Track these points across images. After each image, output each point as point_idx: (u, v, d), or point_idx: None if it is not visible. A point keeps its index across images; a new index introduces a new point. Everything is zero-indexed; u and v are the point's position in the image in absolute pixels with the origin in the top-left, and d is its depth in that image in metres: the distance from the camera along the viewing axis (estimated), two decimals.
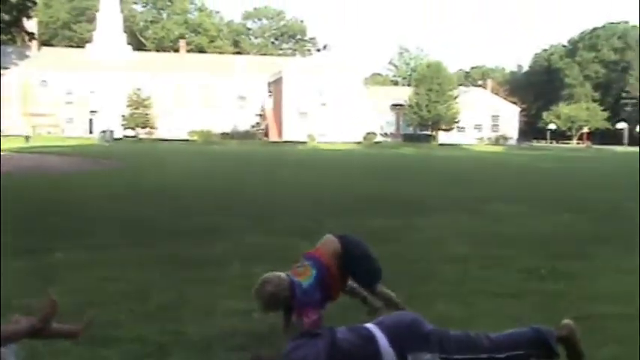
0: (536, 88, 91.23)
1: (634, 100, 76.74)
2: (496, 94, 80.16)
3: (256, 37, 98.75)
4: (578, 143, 76.47)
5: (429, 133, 65.51)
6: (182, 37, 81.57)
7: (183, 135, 59.49)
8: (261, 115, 68.56)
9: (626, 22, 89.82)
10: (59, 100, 65.66)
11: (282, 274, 3.35)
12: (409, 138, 65.85)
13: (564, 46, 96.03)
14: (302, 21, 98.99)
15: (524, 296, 4.62)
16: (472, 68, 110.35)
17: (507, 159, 34.63)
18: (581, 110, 77.17)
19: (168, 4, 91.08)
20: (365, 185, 14.85)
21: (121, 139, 54.74)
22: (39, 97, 65.52)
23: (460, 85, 75.36)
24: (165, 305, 4.26)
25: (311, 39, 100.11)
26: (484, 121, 73.88)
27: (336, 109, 63.97)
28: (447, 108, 62.95)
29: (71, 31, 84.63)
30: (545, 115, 79.42)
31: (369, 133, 61.87)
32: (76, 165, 21.60)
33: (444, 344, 2.44)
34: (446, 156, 36.89)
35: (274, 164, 24.05)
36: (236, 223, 8.10)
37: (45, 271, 5.20)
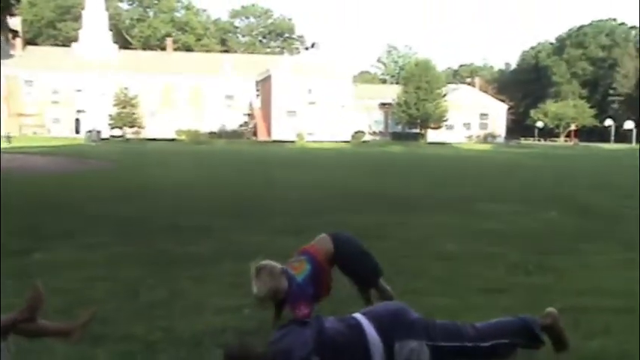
0: (524, 86, 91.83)
1: (621, 98, 77.52)
2: (484, 92, 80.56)
3: (244, 36, 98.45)
4: (565, 141, 77.06)
5: (417, 131, 65.71)
6: (169, 35, 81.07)
7: (171, 134, 59.15)
8: (249, 115, 68.36)
9: (614, 20, 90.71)
10: (45, 100, 65.02)
11: (279, 265, 3.34)
12: (397, 136, 65.97)
13: (552, 43, 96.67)
14: (290, 19, 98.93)
15: (511, 290, 4.66)
16: (460, 66, 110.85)
17: (494, 157, 34.85)
18: (569, 108, 77.78)
19: (155, 2, 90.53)
20: (354, 184, 14.88)
21: (107, 139, 54.35)
22: (24, 97, 64.82)
23: (449, 83, 75.66)
24: (155, 303, 4.24)
25: (299, 37, 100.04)
26: (472, 119, 74.21)
27: (325, 108, 63.98)
28: (435, 106, 63.13)
29: (56, 30, 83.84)
30: (532, 112, 79.98)
31: (357, 132, 61.91)
32: (62, 165, 21.41)
33: (430, 332, 2.47)
34: (435, 154, 37.05)
35: (263, 163, 24.00)
36: (225, 222, 8.08)
37: (30, 271, 5.14)
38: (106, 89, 63.60)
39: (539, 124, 77.36)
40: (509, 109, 78.58)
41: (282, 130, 61.81)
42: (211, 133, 60.56)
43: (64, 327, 2.42)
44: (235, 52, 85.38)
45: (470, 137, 70.92)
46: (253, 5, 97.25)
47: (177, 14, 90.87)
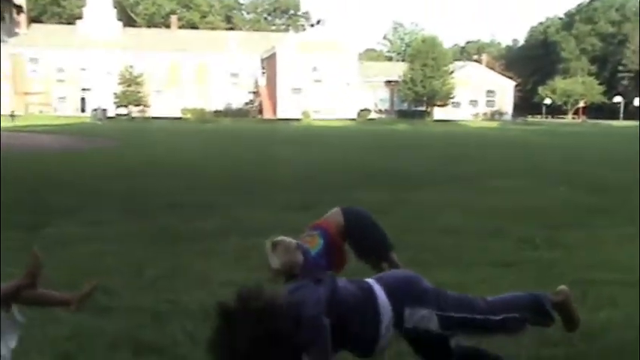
0: (532, 63, 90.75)
1: (631, 74, 76.52)
2: (492, 68, 79.68)
3: (249, 13, 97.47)
4: (573, 118, 76.40)
5: (423, 109, 65.22)
6: (173, 12, 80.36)
7: (177, 113, 59.02)
8: (254, 93, 68.05)
9: None
10: (50, 78, 64.93)
11: (294, 240, 3.33)
12: (403, 114, 65.47)
13: (561, 18, 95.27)
14: None
15: (519, 264, 4.64)
16: (467, 43, 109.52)
17: (501, 134, 34.62)
18: (577, 84, 76.87)
19: None
20: (360, 161, 14.83)
21: (113, 117, 54.32)
22: (29, 75, 64.74)
23: (455, 60, 74.84)
24: (161, 276, 4.25)
25: (304, 14, 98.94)
26: (479, 97, 73.54)
27: (330, 86, 63.56)
28: (442, 83, 62.54)
29: (60, 7, 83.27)
30: (540, 89, 79.15)
31: (363, 110, 61.55)
32: (67, 144, 21.43)
33: (440, 302, 2.47)
34: (441, 132, 36.85)
35: (269, 141, 23.95)
36: (232, 199, 8.08)
37: (39, 245, 5.16)
38: (111, 67, 63.35)
39: (547, 101, 76.58)
40: (516, 86, 77.76)
41: (288, 107, 61.55)
42: (217, 112, 60.40)
43: (65, 296, 2.43)
44: (240, 29, 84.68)
45: (477, 115, 70.37)
46: None
47: None
